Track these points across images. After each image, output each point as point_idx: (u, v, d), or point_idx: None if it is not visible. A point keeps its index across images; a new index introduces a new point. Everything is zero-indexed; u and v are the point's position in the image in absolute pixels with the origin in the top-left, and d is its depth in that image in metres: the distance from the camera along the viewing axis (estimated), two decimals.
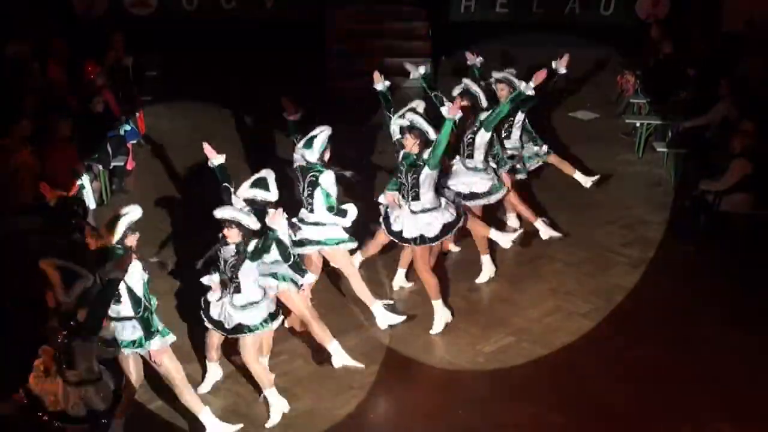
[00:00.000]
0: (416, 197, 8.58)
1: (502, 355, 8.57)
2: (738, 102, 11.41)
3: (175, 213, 10.89)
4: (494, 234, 9.26)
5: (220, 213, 7.42)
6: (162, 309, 7.85)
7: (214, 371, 8.15)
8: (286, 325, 8.59)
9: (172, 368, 7.36)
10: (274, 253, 7.77)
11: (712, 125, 11.65)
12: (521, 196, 10.10)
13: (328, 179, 8.28)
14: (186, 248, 9.58)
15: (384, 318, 8.84)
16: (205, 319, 7.78)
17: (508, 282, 9.74)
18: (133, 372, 7.32)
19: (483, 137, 9.36)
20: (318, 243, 8.54)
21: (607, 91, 14.58)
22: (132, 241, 7.15)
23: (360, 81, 11.09)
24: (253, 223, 7.39)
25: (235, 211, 7.45)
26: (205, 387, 8.08)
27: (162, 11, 16.61)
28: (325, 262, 8.84)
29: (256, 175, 7.94)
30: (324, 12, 15.98)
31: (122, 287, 6.97)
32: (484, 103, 9.47)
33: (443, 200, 8.78)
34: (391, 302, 9.13)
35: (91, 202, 10.72)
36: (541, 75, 9.32)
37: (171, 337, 7.37)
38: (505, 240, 9.22)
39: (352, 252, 8.97)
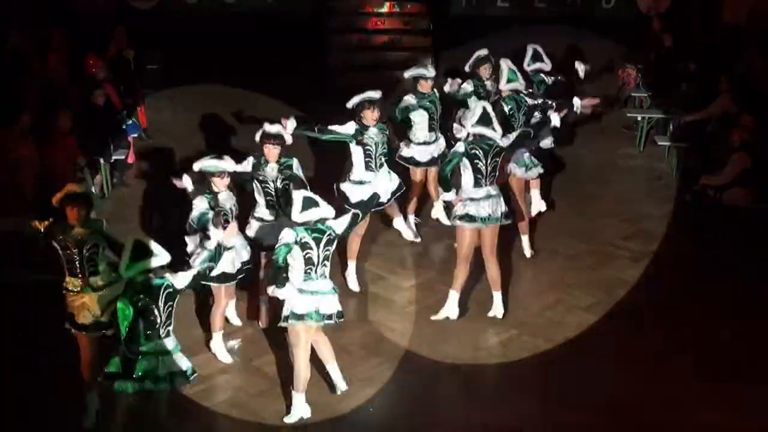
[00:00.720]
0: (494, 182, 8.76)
1: (503, 349, 8.57)
2: (738, 96, 11.41)
3: (176, 207, 10.87)
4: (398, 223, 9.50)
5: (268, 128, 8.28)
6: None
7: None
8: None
9: None
10: None
11: (712, 119, 11.65)
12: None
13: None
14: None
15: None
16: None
17: (509, 275, 9.73)
18: None
19: None
20: None
21: (608, 85, 14.57)
22: None
23: (361, 76, 11.12)
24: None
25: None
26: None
27: (163, 5, 16.61)
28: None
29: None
30: (324, 6, 16.00)
31: None
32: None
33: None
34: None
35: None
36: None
37: None
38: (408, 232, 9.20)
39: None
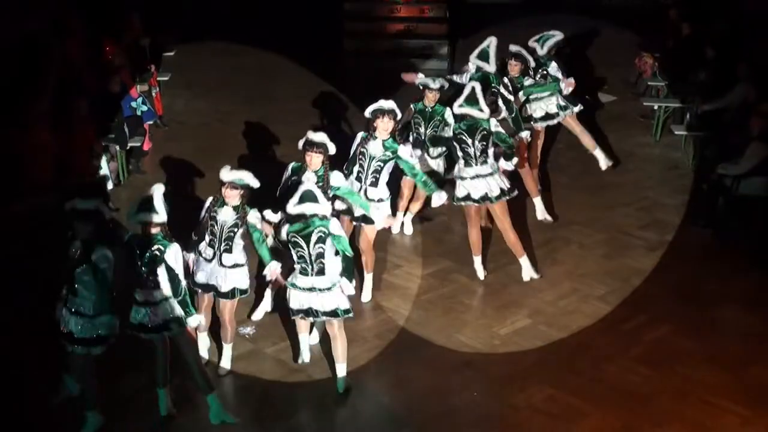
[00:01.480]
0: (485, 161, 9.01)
1: (517, 337, 8.56)
2: (757, 84, 11.32)
3: (192, 193, 10.91)
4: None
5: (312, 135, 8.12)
6: None
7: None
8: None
9: None
10: None
11: (730, 108, 11.57)
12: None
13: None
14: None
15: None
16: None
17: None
18: None
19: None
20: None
21: (626, 74, 14.51)
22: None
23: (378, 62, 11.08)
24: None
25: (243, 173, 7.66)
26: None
27: None
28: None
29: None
30: None
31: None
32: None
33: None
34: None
35: (108, 183, 10.77)
36: None
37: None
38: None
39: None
